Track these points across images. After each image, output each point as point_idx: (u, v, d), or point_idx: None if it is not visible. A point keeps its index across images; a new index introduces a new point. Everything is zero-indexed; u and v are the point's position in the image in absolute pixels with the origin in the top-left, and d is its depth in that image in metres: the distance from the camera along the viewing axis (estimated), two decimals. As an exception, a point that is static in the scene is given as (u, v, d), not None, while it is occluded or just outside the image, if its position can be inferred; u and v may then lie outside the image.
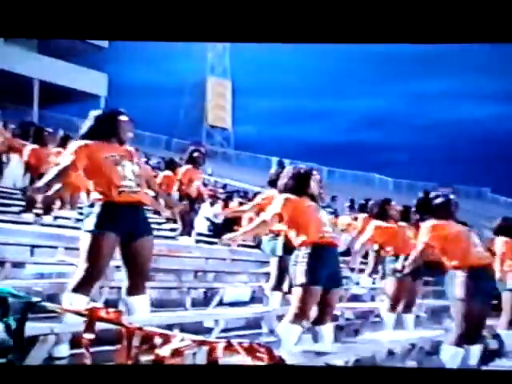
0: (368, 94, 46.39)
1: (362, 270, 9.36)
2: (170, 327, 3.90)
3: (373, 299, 8.40)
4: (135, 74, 37.20)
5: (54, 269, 5.90)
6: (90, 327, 2.73)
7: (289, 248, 5.20)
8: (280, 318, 5.22)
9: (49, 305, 2.99)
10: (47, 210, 8.23)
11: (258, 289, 7.13)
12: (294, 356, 3.91)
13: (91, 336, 2.72)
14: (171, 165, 10.26)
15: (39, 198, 7.58)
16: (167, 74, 38.84)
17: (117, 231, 4.05)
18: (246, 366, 2.60)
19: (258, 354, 2.49)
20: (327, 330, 4.77)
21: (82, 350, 2.76)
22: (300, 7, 3.97)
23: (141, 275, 4.19)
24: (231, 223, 10.23)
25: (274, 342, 4.71)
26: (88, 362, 2.74)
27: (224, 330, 5.09)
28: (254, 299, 7.21)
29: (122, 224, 4.07)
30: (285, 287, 6.01)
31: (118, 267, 4.50)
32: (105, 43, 27.22)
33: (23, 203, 8.59)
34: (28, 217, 8.05)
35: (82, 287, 3.99)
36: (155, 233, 9.15)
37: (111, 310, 2.78)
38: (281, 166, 8.85)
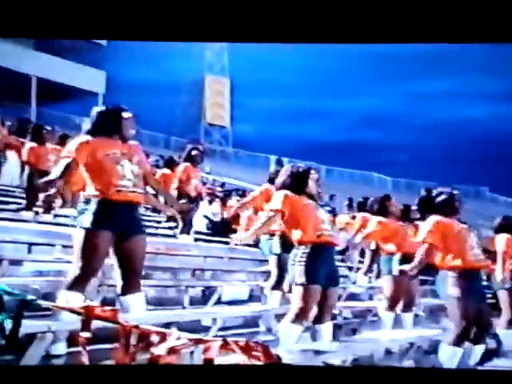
0: (368, 94, 46.39)
1: (359, 269, 9.37)
2: (167, 325, 3.89)
3: (371, 298, 8.39)
4: (133, 72, 37.09)
5: (51, 267, 5.88)
6: (86, 325, 2.72)
7: (287, 246, 5.19)
8: (278, 316, 5.21)
9: (44, 302, 2.98)
10: (48, 208, 8.20)
11: (256, 287, 7.12)
12: (292, 354, 3.90)
13: (87, 334, 2.71)
14: (170, 163, 10.24)
15: (41, 196, 7.56)
16: (165, 72, 38.75)
17: (112, 229, 4.05)
18: (243, 366, 2.59)
19: (253, 353, 2.49)
20: (326, 328, 4.76)
21: (79, 348, 2.75)
22: (299, 7, 3.96)
23: (135, 273, 4.20)
24: (229, 222, 10.22)
25: (272, 341, 4.71)
26: (85, 360, 2.73)
27: (222, 329, 5.07)
28: (252, 298, 7.21)
29: (118, 222, 4.08)
30: (285, 286, 5.99)
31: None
32: (103, 41, 27.16)
33: (21, 201, 8.56)
34: (28, 215, 8.03)
35: (77, 285, 3.99)
36: (154, 231, 9.22)
37: (107, 308, 2.77)
38: (279, 164, 8.85)
